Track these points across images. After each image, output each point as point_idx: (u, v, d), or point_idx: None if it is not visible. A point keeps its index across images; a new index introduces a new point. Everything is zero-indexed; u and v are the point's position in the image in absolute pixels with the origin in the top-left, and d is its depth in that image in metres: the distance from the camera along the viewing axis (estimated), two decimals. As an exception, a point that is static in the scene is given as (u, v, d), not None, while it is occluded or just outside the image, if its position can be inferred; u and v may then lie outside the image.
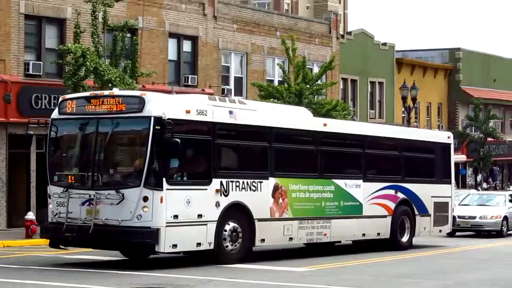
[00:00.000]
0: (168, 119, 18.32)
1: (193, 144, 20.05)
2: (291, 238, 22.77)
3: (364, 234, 25.31)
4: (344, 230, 24.77)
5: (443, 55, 65.39)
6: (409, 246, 26.97)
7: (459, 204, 37.52)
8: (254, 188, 21.25)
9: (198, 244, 19.47)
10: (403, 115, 52.80)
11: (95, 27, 31.19)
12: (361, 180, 25.24)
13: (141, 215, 18.12)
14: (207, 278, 18.54)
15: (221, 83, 43.55)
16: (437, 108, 63.64)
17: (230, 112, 20.91)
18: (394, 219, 26.17)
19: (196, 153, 20.52)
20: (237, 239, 20.49)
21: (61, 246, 19.90)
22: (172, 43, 40.69)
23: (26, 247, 25.44)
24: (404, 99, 48.89)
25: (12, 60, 32.71)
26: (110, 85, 28.86)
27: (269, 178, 21.83)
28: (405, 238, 26.85)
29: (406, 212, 26.97)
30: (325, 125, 24.74)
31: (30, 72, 32.99)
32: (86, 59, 30.04)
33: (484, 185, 60.50)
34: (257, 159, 22.70)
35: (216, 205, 19.82)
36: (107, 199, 18.57)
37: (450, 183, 29.91)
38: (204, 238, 19.55)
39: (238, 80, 45.26)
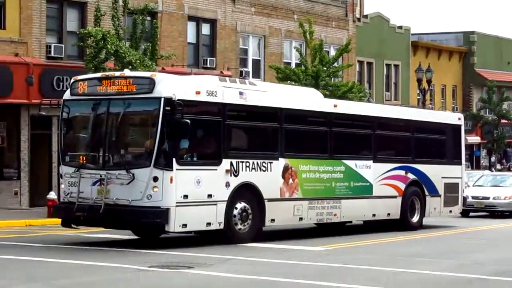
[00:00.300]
0: (178, 100, 18.15)
1: (203, 125, 19.96)
2: (301, 218, 22.57)
3: (374, 215, 25.04)
4: (354, 210, 24.58)
5: (458, 38, 65.23)
6: (419, 226, 26.66)
7: (473, 185, 37.72)
8: (264, 169, 21.07)
9: (208, 224, 19.42)
10: (418, 97, 52.82)
11: (115, 10, 31.13)
12: (371, 161, 24.92)
13: (151, 195, 18.04)
14: (225, 257, 18.44)
15: (239, 66, 43.39)
16: (451, 91, 63.47)
17: (240, 93, 20.71)
18: (404, 199, 25.82)
19: (206, 133, 20.44)
20: (247, 219, 20.34)
21: (72, 226, 19.91)
22: (191, 26, 40.47)
23: (48, 226, 25.39)
24: (419, 81, 49.03)
25: (34, 43, 32.83)
26: (130, 67, 28.43)
27: (279, 158, 21.65)
28: (415, 219, 26.48)
29: (416, 193, 26.55)
30: (335, 106, 24.40)
31: (52, 54, 32.95)
32: (106, 42, 30.11)
33: (498, 166, 60.60)
34: (267, 140, 22.46)
35: (226, 186, 19.73)
36: (118, 179, 18.47)
37: (460, 164, 29.33)
38: (214, 218, 19.45)
39: (256, 63, 45.03)
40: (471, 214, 35.03)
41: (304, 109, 22.98)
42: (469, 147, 63.09)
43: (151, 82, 18.68)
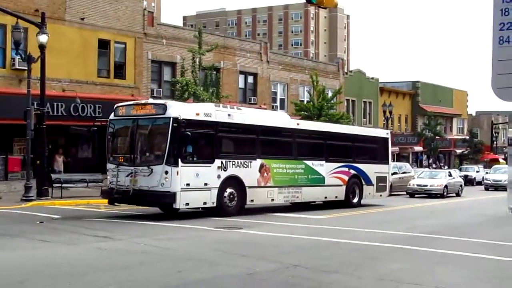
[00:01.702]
0: (183, 119, 19.99)
1: (201, 136, 21.62)
2: (272, 199, 24.61)
3: (326, 197, 27.24)
4: (311, 194, 26.46)
5: (408, 85, 71.66)
6: (359, 205, 28.62)
7: (417, 177, 41.94)
8: (246, 166, 23.00)
9: (204, 203, 21.44)
10: (384, 122, 56.13)
11: (193, 67, 36.24)
12: (324, 161, 27.01)
13: (163, 183, 20.08)
14: (260, 222, 20.81)
15: (271, 102, 47.85)
16: (405, 118, 69.45)
17: (229, 115, 22.69)
18: (347, 187, 28.10)
19: (203, 142, 21.98)
20: (233, 199, 22.29)
21: (115, 204, 21.94)
22: (241, 77, 44.63)
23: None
24: (384, 112, 53.99)
25: (143, 88, 36.53)
26: (203, 102, 31.50)
27: (257, 159, 23.58)
28: (355, 200, 28.74)
29: (356, 183, 28.73)
30: (298, 124, 26.90)
31: (155, 95, 36.05)
32: (188, 87, 35.01)
33: (434, 166, 64.59)
34: (248, 146, 23.96)
35: (217, 177, 21.65)
36: (142, 172, 20.48)
37: (388, 163, 31.59)
38: (209, 199, 21.38)
39: (282, 100, 49.43)
40: (416, 196, 39.05)
41: (274, 126, 24.93)
42: (416, 153, 68.68)
43: (165, 107, 20.63)
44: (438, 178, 40.79)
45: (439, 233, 18.58)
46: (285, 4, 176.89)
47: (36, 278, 10.78)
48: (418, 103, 70.91)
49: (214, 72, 38.86)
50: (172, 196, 20.05)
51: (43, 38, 25.88)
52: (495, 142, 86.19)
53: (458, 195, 40.99)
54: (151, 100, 22.57)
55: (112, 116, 22.16)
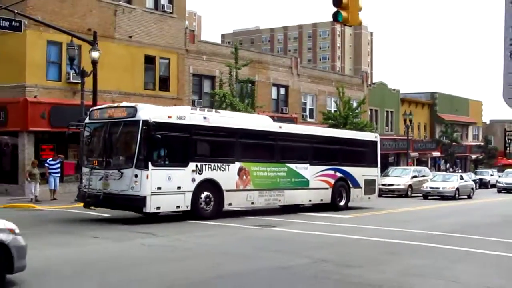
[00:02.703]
0: (153, 121, 18.10)
1: (174, 139, 19.40)
2: (252, 203, 22.27)
3: (310, 200, 24.87)
4: (295, 197, 24.08)
5: (427, 95, 70.26)
6: (346, 207, 26.18)
7: (430, 180, 40.46)
8: (223, 169, 20.78)
9: (178, 207, 19.35)
10: (404, 130, 55.00)
11: (230, 80, 35.75)
12: (308, 164, 24.73)
13: (133, 187, 17.99)
14: (288, 221, 20.39)
15: (301, 112, 47.24)
16: (424, 126, 68.14)
17: (204, 118, 20.41)
18: (333, 190, 25.81)
19: (176, 145, 19.72)
20: (210, 203, 20.13)
21: (90, 207, 19.74)
22: (274, 89, 44.38)
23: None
24: (405, 120, 53.40)
25: (185, 99, 36.14)
26: (239, 112, 31.17)
27: (235, 162, 21.31)
28: (342, 202, 26.38)
29: (343, 186, 26.41)
30: (280, 127, 24.23)
31: (195, 105, 33.72)
32: (226, 98, 34.41)
33: (450, 170, 63.36)
34: (226, 149, 21.70)
35: (192, 180, 19.48)
36: (113, 176, 18.44)
37: (376, 166, 28.91)
38: (183, 202, 19.23)
39: (311, 110, 48.82)
40: (429, 197, 37.56)
41: (254, 129, 22.63)
42: (434, 158, 67.34)
43: (135, 110, 18.64)
44: (450, 181, 39.64)
45: (457, 231, 18.20)
46: (314, 22, 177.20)
47: (88, 271, 10.85)
48: (436, 112, 69.94)
49: (249, 85, 38.20)
50: (142, 200, 18.04)
51: (95, 55, 26.09)
52: (508, 148, 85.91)
53: (469, 197, 39.94)
54: (124, 103, 20.47)
55: (87, 120, 20.48)
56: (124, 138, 19.52)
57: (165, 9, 35.50)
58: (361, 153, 28.24)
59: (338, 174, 26.36)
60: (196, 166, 19.80)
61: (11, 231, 9.22)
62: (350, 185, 26.94)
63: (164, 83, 35.58)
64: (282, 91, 45.58)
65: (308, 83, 48.34)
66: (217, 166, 20.74)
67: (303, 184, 24.62)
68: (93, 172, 19.08)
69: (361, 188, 27.57)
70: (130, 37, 33.56)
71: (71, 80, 29.88)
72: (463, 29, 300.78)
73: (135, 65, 33.75)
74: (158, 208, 18.69)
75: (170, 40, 35.71)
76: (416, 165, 56.99)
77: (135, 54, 33.66)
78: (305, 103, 48.35)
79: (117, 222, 19.20)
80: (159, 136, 17.96)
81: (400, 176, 41.29)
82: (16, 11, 24.40)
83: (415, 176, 41.15)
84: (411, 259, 12.93)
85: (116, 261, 11.87)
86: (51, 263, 11.40)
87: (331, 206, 25.67)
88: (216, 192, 20.65)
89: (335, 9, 14.08)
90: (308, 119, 46.47)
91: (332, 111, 47.47)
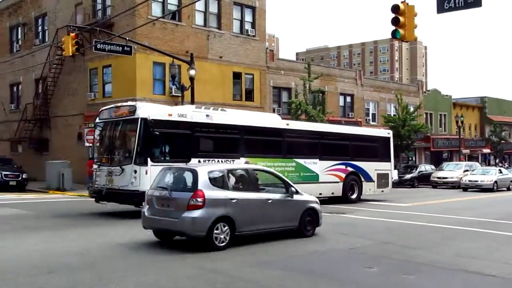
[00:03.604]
0: (152, 119, 16.29)
1: (175, 136, 17.53)
2: None
3: (320, 194, 21.51)
4: (304, 191, 19.73)
5: (477, 99, 66.93)
6: (358, 200, 23.83)
7: (470, 173, 37.40)
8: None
9: None
10: (456, 130, 52.26)
11: (304, 91, 35.29)
12: (318, 159, 22.49)
13: (133, 182, 16.34)
14: (355, 209, 19.83)
15: (365, 116, 46.23)
16: (474, 126, 64.67)
17: (207, 115, 18.50)
18: (345, 184, 23.47)
19: (177, 141, 17.74)
20: None
21: (100, 202, 17.76)
22: (341, 98, 43.66)
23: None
24: (457, 122, 51.31)
25: (267, 108, 35.56)
26: (312, 118, 32.73)
27: (240, 158, 19.06)
28: (354, 196, 23.94)
29: (354, 180, 24.04)
30: (287, 124, 22.08)
31: (276, 113, 32.18)
32: (301, 106, 34.19)
33: (499, 165, 59.37)
34: (230, 145, 19.51)
35: None
36: (115, 172, 16.92)
37: (389, 161, 26.08)
38: None
39: (373, 115, 47.64)
40: (468, 190, 34.70)
41: (259, 126, 20.44)
42: (484, 155, 64.27)
43: (134, 109, 16.91)
44: (489, 174, 36.79)
45: (504, 218, 17.50)
46: (375, 40, 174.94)
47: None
48: (485, 114, 66.74)
49: (320, 94, 37.47)
50: (141, 195, 15.10)
51: (192, 72, 26.40)
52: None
53: (509, 189, 36.78)
54: (127, 103, 18.48)
55: (97, 119, 18.72)
56: (125, 136, 17.96)
57: (249, 33, 35.55)
58: (373, 149, 25.48)
59: (349, 169, 23.95)
60: (199, 161, 17.50)
61: (316, 202, 13.37)
62: (362, 179, 24.43)
63: (249, 95, 35.34)
64: (348, 99, 44.80)
65: (370, 92, 47.27)
66: (222, 162, 18.14)
67: (313, 178, 22.24)
68: (100, 169, 17.63)
69: (373, 182, 24.91)
70: (221, 57, 33.76)
71: (173, 93, 30.30)
72: (510, 36, 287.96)
73: (225, 80, 33.87)
74: None
75: (254, 59, 35.67)
76: (468, 161, 54.87)
77: (224, 71, 33.83)
78: (368, 109, 47.25)
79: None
80: (157, 133, 16.08)
81: (453, 170, 39.76)
82: (127, 38, 25.13)
83: (466, 170, 39.39)
84: (464, 242, 12.56)
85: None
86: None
87: (343, 199, 23.30)
88: None
89: (393, 27, 13.74)
90: (371, 123, 45.39)
91: (392, 115, 46.08)
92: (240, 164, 17.34)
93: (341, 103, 43.97)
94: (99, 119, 18.57)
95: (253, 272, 8.95)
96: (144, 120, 16.33)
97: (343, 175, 23.58)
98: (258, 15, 35.82)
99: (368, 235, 13.26)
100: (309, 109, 34.34)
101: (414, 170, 41.21)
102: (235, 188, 11.68)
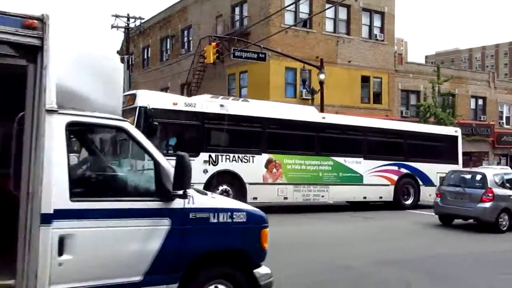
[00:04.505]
0: (152, 108, 14.31)
1: (181, 127, 15.70)
2: (286, 197, 17.39)
3: (365, 197, 19.35)
4: (343, 193, 18.77)
5: None
6: (414, 207, 20.58)
7: None
8: (246, 160, 16.37)
9: None
10: None
11: (433, 94, 34.04)
12: (362, 158, 19.39)
13: None
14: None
15: (498, 119, 42.36)
16: None
17: (221, 105, 16.26)
18: (397, 187, 20.16)
19: (184, 133, 15.95)
20: (228, 196, 14.73)
21: None
22: (472, 100, 41.04)
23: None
24: None
25: (394, 110, 35.21)
26: (441, 120, 31.42)
27: (262, 154, 16.79)
28: (409, 201, 20.69)
29: (409, 183, 20.65)
30: (323, 118, 19.09)
31: (403, 115, 34.86)
32: (430, 109, 32.95)
33: None
34: (249, 140, 17.19)
35: (204, 172, 15.40)
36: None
37: (457, 163, 22.04)
38: None
39: (507, 118, 42.87)
40: None
41: (287, 119, 17.69)
42: None
43: (135, 97, 15.05)
44: None
45: None
46: (510, 41, 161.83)
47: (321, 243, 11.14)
48: None
49: (450, 97, 36.13)
50: None
51: (322, 77, 26.35)
52: None
53: None
54: (133, 91, 16.70)
55: None
56: None
57: (378, 38, 34.95)
58: (435, 148, 21.66)
59: (403, 170, 20.43)
60: (210, 156, 15.62)
61: None
62: (420, 183, 20.85)
63: (377, 98, 34.70)
64: (480, 102, 41.88)
65: (504, 94, 43.78)
66: (238, 157, 16.17)
67: (355, 179, 19.05)
68: None
69: (435, 186, 20.40)
70: (349, 61, 33.45)
71: (303, 97, 30.35)
72: None
73: (353, 84, 33.47)
74: None
75: (382, 63, 34.95)
76: None
77: (353, 75, 33.42)
78: (501, 112, 43.66)
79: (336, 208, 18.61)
80: (156, 123, 13.88)
81: None
82: (262, 46, 25.91)
83: None
84: None
85: (339, 239, 11.51)
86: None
87: (394, 204, 20.03)
88: (237, 185, 16.02)
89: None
90: (505, 126, 42.35)
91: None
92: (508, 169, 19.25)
93: (472, 106, 41.45)
94: None
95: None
96: (144, 108, 14.32)
97: (395, 177, 20.20)
98: (387, 20, 35.27)
99: None
100: (438, 112, 33.04)
101: None
102: (509, 188, 15.13)
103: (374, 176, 19.57)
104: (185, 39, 39.50)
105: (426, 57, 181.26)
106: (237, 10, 33.73)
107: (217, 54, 24.51)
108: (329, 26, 32.59)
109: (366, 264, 9.42)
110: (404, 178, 20.35)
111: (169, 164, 4.92)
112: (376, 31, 34.76)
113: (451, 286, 8.36)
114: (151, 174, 4.86)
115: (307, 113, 18.62)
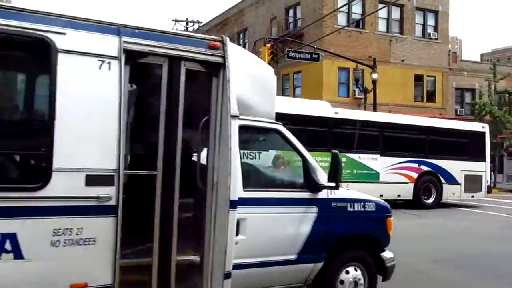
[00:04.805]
0: None
1: None
2: None
3: (381, 195, 15.82)
4: (358, 192, 14.68)
5: None
6: (435, 206, 19.24)
7: None
8: (251, 158, 13.85)
9: None
10: None
11: (489, 92, 33.13)
12: (378, 155, 18.31)
13: None
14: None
15: None
16: None
17: None
18: (416, 185, 18.99)
19: None
20: None
21: None
22: None
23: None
24: None
25: (448, 108, 34.72)
26: (498, 119, 31.10)
27: (269, 150, 14.48)
28: (430, 200, 19.42)
29: (431, 181, 19.39)
30: (336, 113, 17.85)
31: (458, 114, 34.58)
32: (485, 107, 32.41)
33: None
34: None
35: None
36: None
37: (484, 161, 20.57)
38: None
39: None
40: None
41: (294, 113, 16.14)
42: None
43: None
44: None
45: None
46: None
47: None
48: None
49: (507, 95, 34.95)
50: None
51: (374, 76, 26.13)
52: None
53: None
54: None
55: None
56: None
57: (431, 36, 34.43)
58: (460, 145, 20.06)
59: (424, 168, 19.17)
60: None
61: None
62: (443, 181, 19.46)
63: (431, 96, 34.30)
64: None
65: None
66: (243, 153, 14.26)
67: (370, 177, 17.99)
68: None
69: (459, 184, 19.57)
70: (403, 60, 33.17)
71: (356, 96, 30.46)
72: None
73: (407, 83, 33.17)
74: None
75: (436, 61, 34.38)
76: None
77: (406, 74, 33.12)
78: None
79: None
80: None
81: None
82: (315, 47, 25.99)
83: None
84: None
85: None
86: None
87: (414, 203, 18.84)
88: None
89: None
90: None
91: None
92: None
93: (529, 104, 39.06)
94: None
95: None
96: None
97: (415, 175, 18.96)
98: (441, 18, 34.81)
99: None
100: (494, 110, 32.30)
101: None
102: None
103: (392, 174, 18.51)
104: (241, 41, 40.07)
105: (482, 55, 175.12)
106: (291, 12, 34.07)
107: (272, 55, 24.99)
108: (382, 26, 32.45)
109: (418, 262, 9.27)
110: (424, 176, 19.19)
111: (314, 161, 5.85)
112: (430, 30, 34.29)
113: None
114: (301, 170, 5.82)
115: (320, 108, 17.74)
